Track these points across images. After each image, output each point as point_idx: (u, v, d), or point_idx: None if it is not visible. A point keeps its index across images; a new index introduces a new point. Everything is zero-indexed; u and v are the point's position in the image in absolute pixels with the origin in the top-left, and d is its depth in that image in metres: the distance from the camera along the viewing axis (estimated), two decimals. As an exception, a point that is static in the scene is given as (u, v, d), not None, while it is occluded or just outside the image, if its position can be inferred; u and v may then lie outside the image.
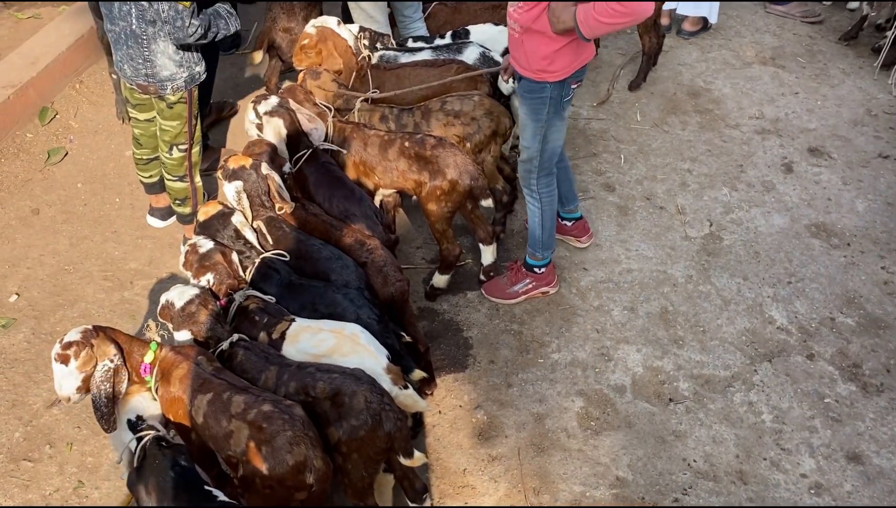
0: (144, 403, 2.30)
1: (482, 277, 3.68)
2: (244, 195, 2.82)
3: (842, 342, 3.44)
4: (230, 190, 2.84)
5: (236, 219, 2.75)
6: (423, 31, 4.28)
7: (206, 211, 2.76)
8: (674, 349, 3.42)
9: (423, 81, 3.69)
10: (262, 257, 2.71)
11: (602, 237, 4.00)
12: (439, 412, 3.12)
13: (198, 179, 3.63)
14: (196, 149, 3.55)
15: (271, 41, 4.42)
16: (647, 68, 5.16)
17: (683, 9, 5.73)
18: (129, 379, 2.31)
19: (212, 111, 4.70)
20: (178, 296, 2.46)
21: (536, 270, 3.58)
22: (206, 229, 2.74)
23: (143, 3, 3.05)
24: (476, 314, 3.56)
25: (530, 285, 3.61)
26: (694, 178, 4.42)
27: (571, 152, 4.59)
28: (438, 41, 4.01)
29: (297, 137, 3.28)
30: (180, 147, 3.47)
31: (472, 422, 3.10)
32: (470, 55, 3.81)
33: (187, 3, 2.98)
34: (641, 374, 3.30)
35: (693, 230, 4.05)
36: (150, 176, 3.76)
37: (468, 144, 3.49)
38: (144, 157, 3.68)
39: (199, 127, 3.52)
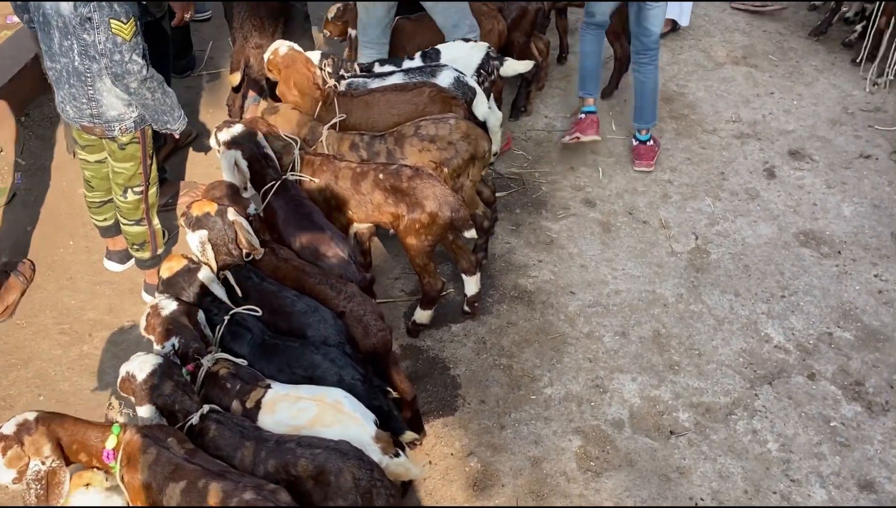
0: (94, 498, 2.06)
1: (466, 308, 3.49)
2: (209, 246, 2.60)
3: (842, 358, 3.32)
4: (194, 240, 2.61)
5: (203, 275, 2.52)
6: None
7: (171, 267, 2.53)
8: (670, 375, 3.27)
9: (393, 106, 3.49)
10: (231, 313, 2.49)
11: (587, 257, 3.84)
12: (430, 461, 2.93)
13: (156, 221, 3.39)
14: (153, 190, 3.31)
15: (246, 59, 4.19)
16: (619, 75, 5.01)
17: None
18: (68, 476, 2.08)
19: (167, 141, 4.44)
20: (139, 367, 2.23)
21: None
22: (170, 286, 2.51)
23: (85, 37, 2.80)
24: (462, 349, 3.37)
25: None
26: (675, 189, 4.28)
27: (549, 167, 4.44)
28: (408, 63, 3.80)
29: (261, 170, 3.06)
30: (135, 190, 3.22)
31: (466, 471, 2.91)
32: (444, 80, 3.61)
33: (127, 36, 2.74)
34: (639, 405, 3.15)
35: (679, 245, 3.91)
36: (105, 219, 3.51)
37: (445, 170, 3.30)
38: (97, 199, 3.43)
39: (154, 167, 3.27)
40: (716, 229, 3.99)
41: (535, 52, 4.86)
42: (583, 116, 4.46)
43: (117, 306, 3.58)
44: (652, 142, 4.40)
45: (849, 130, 4.70)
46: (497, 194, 4.14)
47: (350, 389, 2.28)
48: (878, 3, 4.88)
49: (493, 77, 3.90)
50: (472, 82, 3.73)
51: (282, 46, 3.45)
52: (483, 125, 3.86)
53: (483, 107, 3.75)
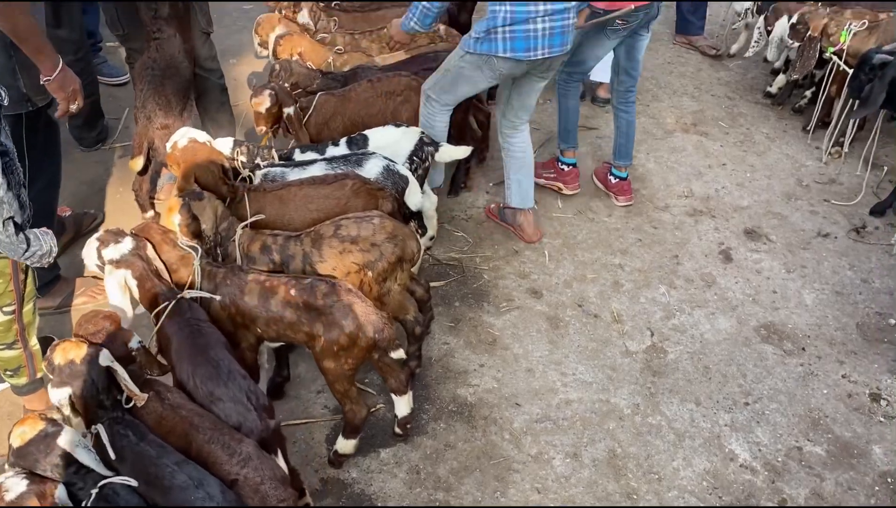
0: None
1: (398, 430, 3.08)
2: (77, 399, 2.15)
3: (814, 479, 2.99)
4: (57, 396, 2.16)
5: (65, 440, 2.06)
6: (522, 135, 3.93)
7: (23, 433, 2.06)
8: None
9: (311, 201, 3.11)
10: (100, 486, 2.04)
11: (533, 359, 3.47)
12: None
13: (34, 341, 2.91)
14: (29, 307, 2.83)
15: (150, 142, 3.76)
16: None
17: (596, 75, 5.36)
18: None
19: (66, 228, 3.97)
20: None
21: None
22: (22, 458, 2.04)
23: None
24: (393, 482, 2.95)
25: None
26: (627, 275, 3.96)
27: (491, 251, 4.09)
28: (332, 150, 3.43)
29: (152, 289, 2.63)
30: (5, 310, 2.75)
31: None
32: (372, 169, 3.26)
33: None
34: (594, 547, 2.77)
35: (633, 343, 3.57)
36: (-24, 337, 3.02)
37: (370, 274, 2.92)
38: (-36, 316, 2.95)
39: (30, 280, 2.80)
40: (672, 324, 3.67)
41: (474, 125, 4.56)
42: (566, 168, 4.47)
43: (-9, 437, 3.07)
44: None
45: (804, 204, 4.48)
46: (434, 284, 3.79)
47: (238, 595, 1.84)
48: (828, 70, 4.70)
49: (427, 164, 3.56)
50: (404, 170, 3.38)
51: (182, 138, 3.04)
52: (417, 215, 3.52)
53: (416, 197, 3.41)
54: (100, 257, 2.59)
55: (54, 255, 2.54)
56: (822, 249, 4.14)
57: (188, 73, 3.83)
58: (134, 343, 2.37)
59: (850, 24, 4.49)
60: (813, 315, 3.73)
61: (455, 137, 4.32)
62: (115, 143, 4.92)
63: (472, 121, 4.47)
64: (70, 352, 2.17)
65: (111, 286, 2.60)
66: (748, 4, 5.35)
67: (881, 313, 3.72)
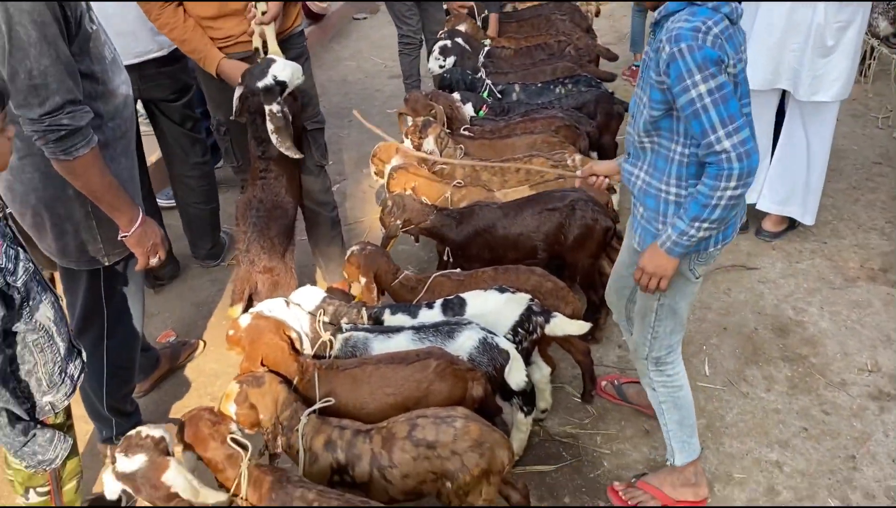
0: None
1: None
2: None
3: None
4: None
5: None
6: None
7: None
8: None
9: (388, 383, 2.67)
10: None
11: (653, 592, 2.78)
12: None
13: (73, 517, 2.64)
14: (71, 485, 2.57)
15: (252, 287, 3.58)
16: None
17: (764, 203, 4.63)
18: None
19: (160, 362, 3.78)
20: None
21: None
22: None
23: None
24: None
25: None
26: (786, 478, 3.16)
27: (616, 428, 3.45)
28: (424, 314, 3.00)
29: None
30: (39, 490, 2.50)
31: None
32: (465, 343, 2.79)
33: None
34: None
35: (790, 586, 2.78)
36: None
37: (449, 485, 2.42)
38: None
39: (73, 461, 2.54)
40: (844, 563, 2.84)
41: (605, 268, 3.98)
42: None
43: None
44: None
45: None
46: (542, 469, 3.22)
47: None
48: None
49: (535, 337, 3.03)
50: (505, 344, 2.88)
51: (245, 316, 2.72)
52: (525, 394, 2.98)
53: (519, 375, 2.89)
54: (117, 476, 2.28)
55: (57, 464, 2.26)
56: None
57: (294, 212, 3.63)
58: None
59: None
60: None
61: (582, 285, 3.79)
62: (231, 262, 4.80)
63: (605, 266, 3.88)
64: None
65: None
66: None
67: None
